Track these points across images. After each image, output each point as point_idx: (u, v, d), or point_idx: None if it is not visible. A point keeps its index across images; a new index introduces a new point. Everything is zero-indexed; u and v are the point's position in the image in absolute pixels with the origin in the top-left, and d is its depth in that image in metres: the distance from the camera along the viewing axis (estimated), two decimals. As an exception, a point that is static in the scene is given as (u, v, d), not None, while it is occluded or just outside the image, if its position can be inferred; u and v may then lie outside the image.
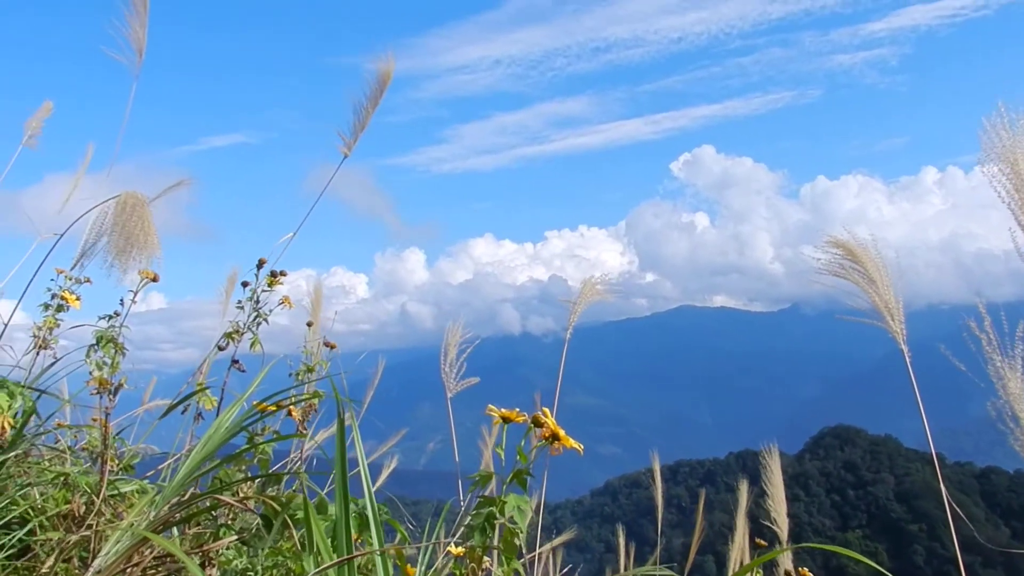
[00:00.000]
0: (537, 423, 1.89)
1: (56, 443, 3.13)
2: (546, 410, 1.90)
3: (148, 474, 2.95)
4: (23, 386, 2.54)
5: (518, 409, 1.94)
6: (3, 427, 2.26)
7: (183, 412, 3.02)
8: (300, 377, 3.03)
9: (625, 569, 5.41)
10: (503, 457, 1.85)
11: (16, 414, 2.52)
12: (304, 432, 2.91)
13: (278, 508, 2.23)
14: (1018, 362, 2.73)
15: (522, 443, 1.86)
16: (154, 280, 2.56)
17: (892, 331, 3.24)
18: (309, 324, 3.27)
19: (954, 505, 3.22)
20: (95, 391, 2.39)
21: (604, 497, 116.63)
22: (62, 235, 3.13)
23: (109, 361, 2.45)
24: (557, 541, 5.18)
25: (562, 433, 1.87)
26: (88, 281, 3.28)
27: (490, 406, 2.01)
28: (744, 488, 4.54)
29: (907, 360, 3.17)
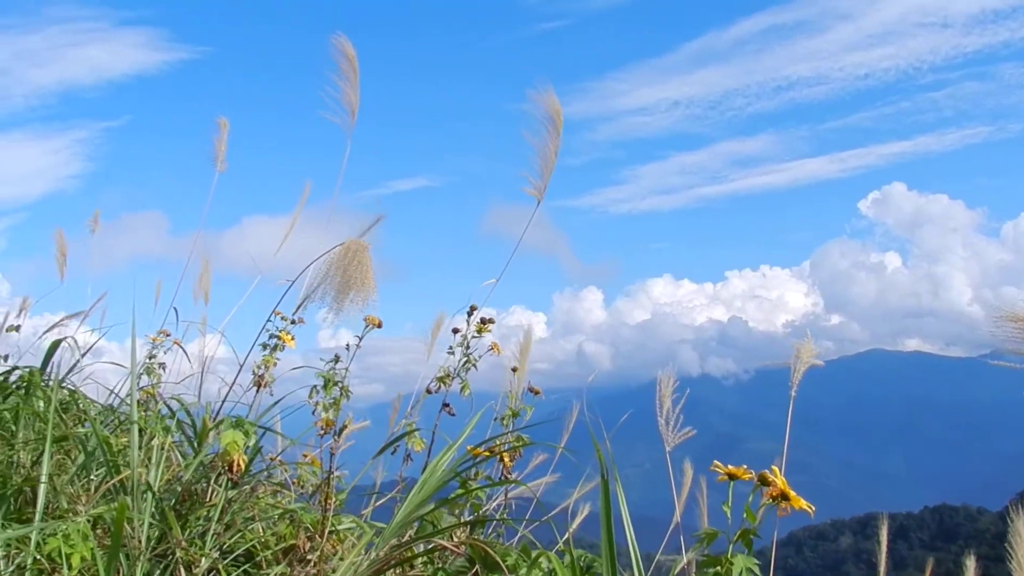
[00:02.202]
0: (764, 482, 1.83)
1: (271, 479, 3.30)
2: (776, 468, 1.84)
3: (364, 512, 3.06)
4: (254, 424, 2.69)
5: (745, 466, 1.89)
6: (239, 464, 2.39)
7: (392, 453, 3.12)
8: (505, 423, 3.07)
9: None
10: (729, 515, 1.81)
11: (246, 451, 2.67)
12: (510, 477, 2.95)
13: (490, 552, 2.26)
14: None
15: (749, 500, 1.81)
16: (378, 327, 2.67)
17: None
18: (514, 369, 3.32)
19: None
20: (321, 431, 2.50)
21: (788, 549, 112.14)
22: (294, 281, 3.31)
23: (333, 402, 2.57)
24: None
25: (792, 493, 1.81)
26: (302, 322, 3.45)
27: (716, 462, 1.97)
28: (972, 559, 4.09)
29: None
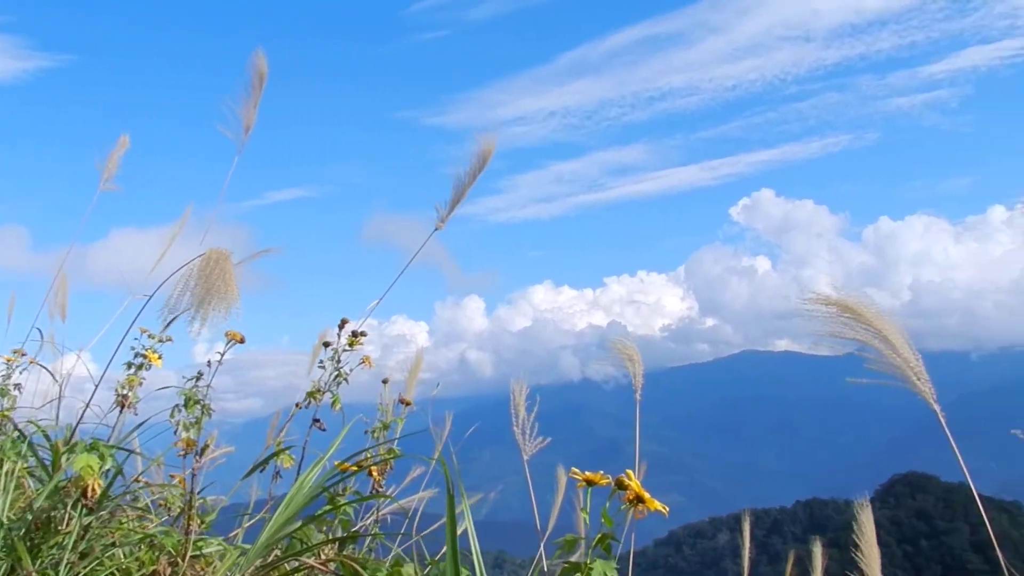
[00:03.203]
0: (621, 486, 1.86)
1: (135, 502, 3.18)
2: (630, 472, 1.88)
3: (231, 534, 2.97)
4: (113, 447, 2.59)
5: (602, 472, 1.92)
6: (93, 489, 2.29)
7: (261, 471, 3.04)
8: (376, 435, 3.04)
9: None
10: (587, 522, 1.83)
11: (104, 475, 2.56)
12: (382, 491, 2.92)
13: (358, 569, 2.23)
14: None
15: (606, 505, 1.84)
16: (241, 342, 2.60)
17: (921, 393, 2.85)
18: (385, 381, 3.29)
19: None
20: (182, 452, 2.42)
21: (668, 547, 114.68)
22: (151, 295, 3.20)
23: (194, 421, 2.49)
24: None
25: (647, 496, 1.84)
26: (170, 340, 3.34)
27: (574, 469, 2.00)
28: (819, 546, 4.31)
29: (941, 420, 2.82)
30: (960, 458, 2.93)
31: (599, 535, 1.82)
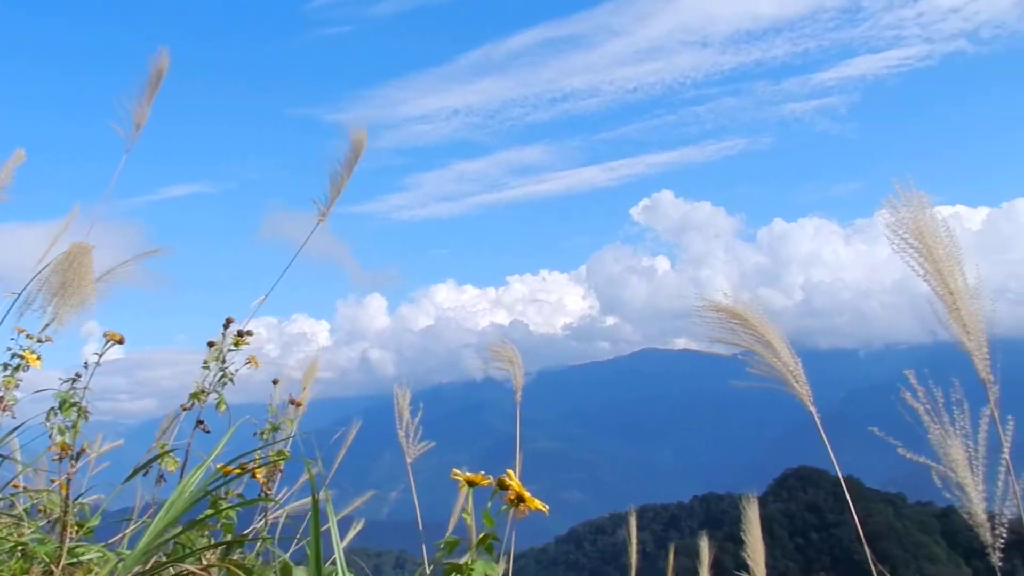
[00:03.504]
0: (502, 486, 1.87)
1: (11, 509, 3.06)
2: (511, 472, 1.89)
3: (111, 540, 2.88)
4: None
5: (483, 472, 1.93)
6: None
7: (144, 475, 2.96)
8: (265, 437, 2.98)
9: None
10: (470, 522, 1.84)
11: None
12: (269, 496, 2.87)
13: (239, 573, 2.19)
14: (957, 427, 2.70)
15: (488, 506, 1.85)
16: (119, 342, 2.52)
17: (798, 395, 3.07)
18: (275, 382, 3.23)
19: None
20: (57, 456, 2.34)
21: (568, 544, 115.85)
22: (20, 293, 3.08)
23: (71, 425, 2.41)
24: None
25: (527, 495, 1.86)
26: (50, 340, 3.22)
27: (455, 470, 2.00)
28: (705, 538, 4.50)
29: (818, 422, 3.03)
30: (833, 457, 3.09)
31: (480, 535, 1.83)
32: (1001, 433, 2.66)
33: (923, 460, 2.64)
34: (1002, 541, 2.50)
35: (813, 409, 3.05)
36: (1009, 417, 2.68)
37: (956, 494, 2.62)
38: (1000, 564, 2.50)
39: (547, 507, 1.92)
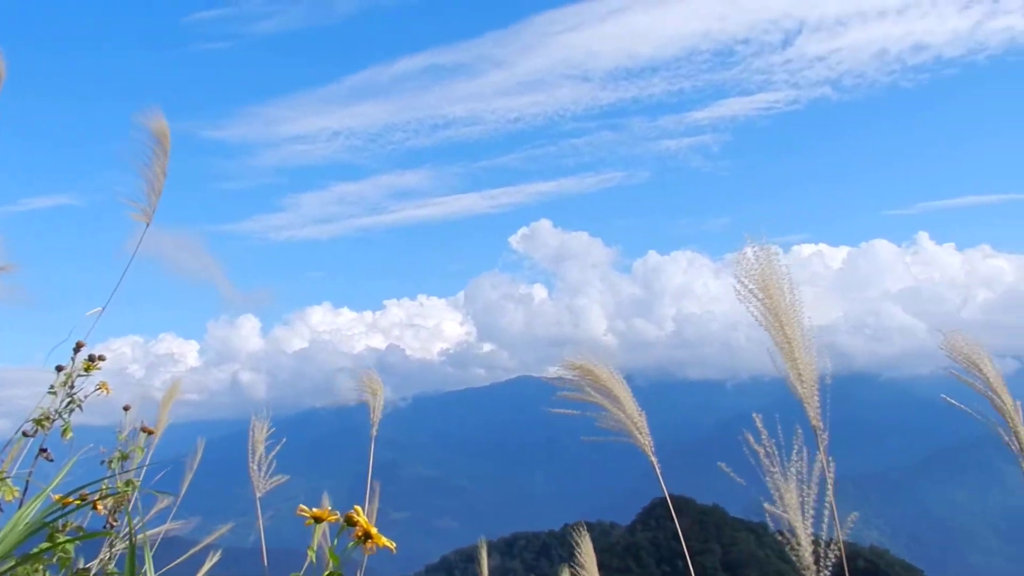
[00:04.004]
0: (350, 523, 1.86)
1: None
2: (358, 508, 1.88)
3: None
4: None
5: (329, 509, 1.92)
6: None
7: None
8: (113, 466, 2.88)
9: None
10: (314, 560, 1.83)
11: None
12: (112, 528, 2.76)
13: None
14: (792, 473, 2.87)
15: (334, 543, 1.83)
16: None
17: (640, 445, 3.36)
18: (126, 408, 3.12)
19: None
20: None
21: (440, 573, 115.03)
22: None
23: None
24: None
25: (374, 531, 1.86)
26: None
27: (301, 506, 1.99)
28: (566, 570, 4.68)
29: (657, 470, 3.33)
30: (664, 486, 3.25)
31: (327, 572, 1.81)
32: (828, 475, 2.84)
33: (765, 504, 2.81)
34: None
35: (655, 460, 3.33)
36: (831, 459, 2.87)
37: (788, 536, 2.86)
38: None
39: (394, 545, 1.92)
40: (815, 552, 2.88)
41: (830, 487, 2.89)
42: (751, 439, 2.85)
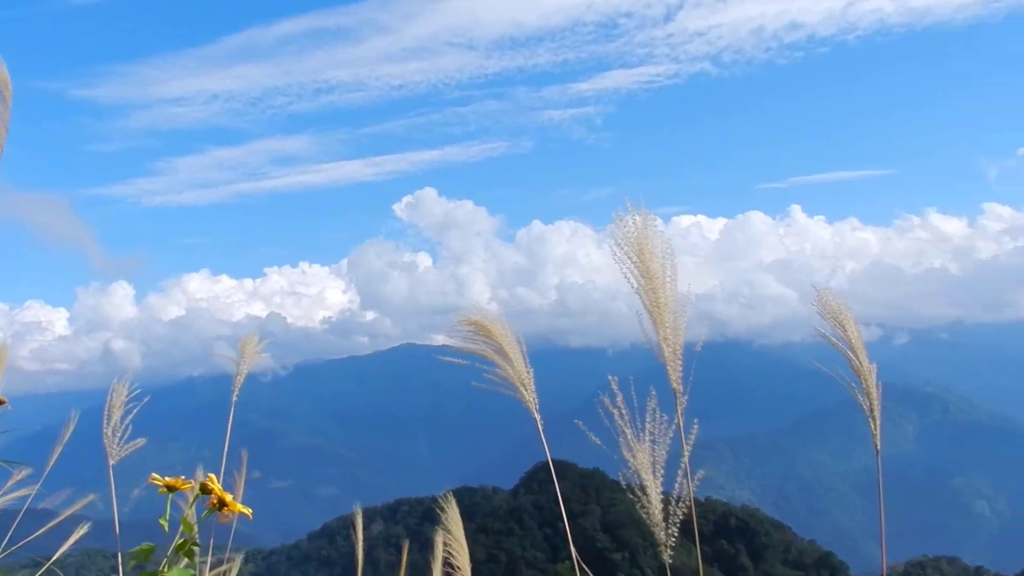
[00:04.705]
0: (205, 491, 1.78)
1: None
2: (212, 476, 1.80)
3: None
4: None
5: (183, 477, 1.83)
6: None
7: None
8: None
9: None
10: (167, 528, 1.74)
11: None
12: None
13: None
14: (646, 434, 3.02)
15: (190, 511, 1.75)
16: None
17: (526, 401, 3.46)
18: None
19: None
20: None
21: (321, 540, 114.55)
22: None
23: None
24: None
25: (229, 499, 1.79)
26: None
27: (153, 475, 1.88)
28: (440, 534, 4.74)
29: (540, 430, 3.42)
30: (547, 448, 3.37)
31: (177, 542, 1.72)
32: (683, 436, 3.05)
33: (617, 459, 2.97)
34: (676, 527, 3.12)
35: (538, 416, 3.45)
36: (695, 422, 3.12)
37: (639, 495, 3.11)
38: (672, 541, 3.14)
39: (251, 511, 1.84)
40: (665, 509, 3.13)
41: (685, 448, 3.06)
42: (607, 402, 3.00)
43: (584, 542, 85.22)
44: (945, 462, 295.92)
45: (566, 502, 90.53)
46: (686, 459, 3.08)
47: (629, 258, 3.20)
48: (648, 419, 3.05)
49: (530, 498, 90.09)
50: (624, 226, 3.18)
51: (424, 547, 5.19)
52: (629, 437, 3.05)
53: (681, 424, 3.09)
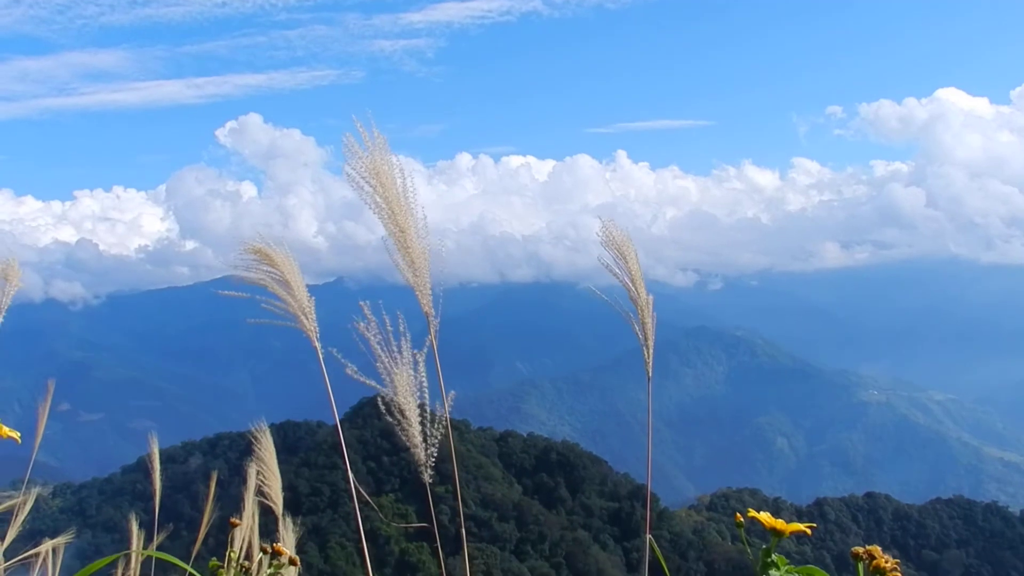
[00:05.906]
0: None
1: None
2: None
3: None
4: None
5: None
6: None
7: None
8: None
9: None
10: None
11: None
12: None
13: None
14: (408, 357, 3.13)
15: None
16: None
17: (307, 331, 3.44)
18: None
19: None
20: None
21: (137, 474, 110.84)
22: None
23: None
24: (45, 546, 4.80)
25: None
26: None
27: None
28: (253, 467, 4.74)
29: (320, 355, 3.43)
30: (328, 381, 3.31)
31: None
32: (437, 364, 3.19)
33: (372, 383, 3.01)
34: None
35: (318, 344, 3.42)
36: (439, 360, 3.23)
37: (397, 417, 3.17)
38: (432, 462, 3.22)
39: (19, 435, 1.81)
40: (423, 430, 3.22)
41: (439, 370, 3.15)
42: (363, 327, 3.07)
43: (408, 475, 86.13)
44: (750, 401, 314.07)
45: (391, 437, 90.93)
46: (441, 380, 3.20)
47: (366, 181, 3.16)
48: (403, 342, 3.12)
49: (355, 432, 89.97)
50: (353, 148, 3.12)
51: (244, 481, 5.21)
52: (386, 362, 3.10)
53: (435, 346, 3.18)
